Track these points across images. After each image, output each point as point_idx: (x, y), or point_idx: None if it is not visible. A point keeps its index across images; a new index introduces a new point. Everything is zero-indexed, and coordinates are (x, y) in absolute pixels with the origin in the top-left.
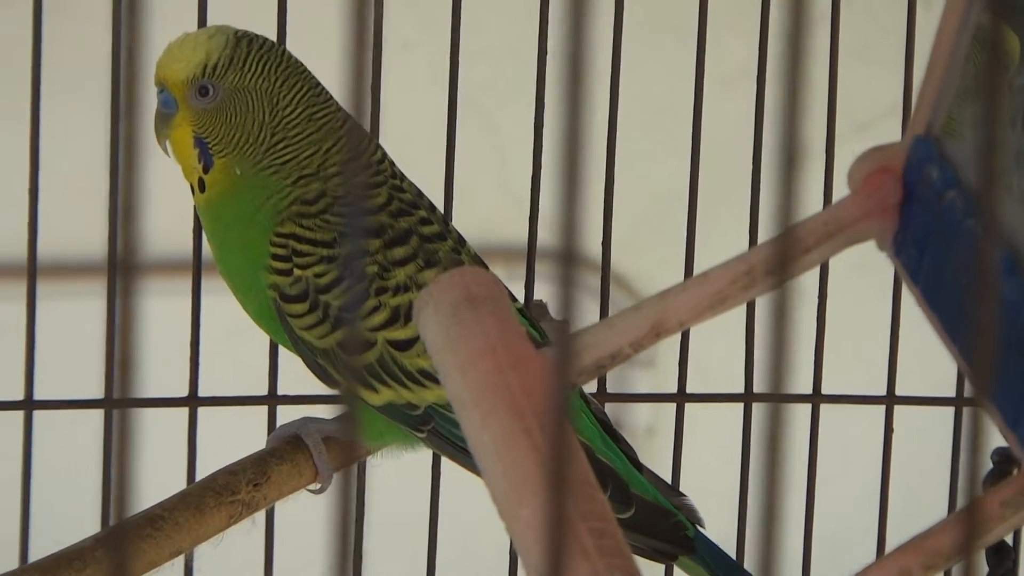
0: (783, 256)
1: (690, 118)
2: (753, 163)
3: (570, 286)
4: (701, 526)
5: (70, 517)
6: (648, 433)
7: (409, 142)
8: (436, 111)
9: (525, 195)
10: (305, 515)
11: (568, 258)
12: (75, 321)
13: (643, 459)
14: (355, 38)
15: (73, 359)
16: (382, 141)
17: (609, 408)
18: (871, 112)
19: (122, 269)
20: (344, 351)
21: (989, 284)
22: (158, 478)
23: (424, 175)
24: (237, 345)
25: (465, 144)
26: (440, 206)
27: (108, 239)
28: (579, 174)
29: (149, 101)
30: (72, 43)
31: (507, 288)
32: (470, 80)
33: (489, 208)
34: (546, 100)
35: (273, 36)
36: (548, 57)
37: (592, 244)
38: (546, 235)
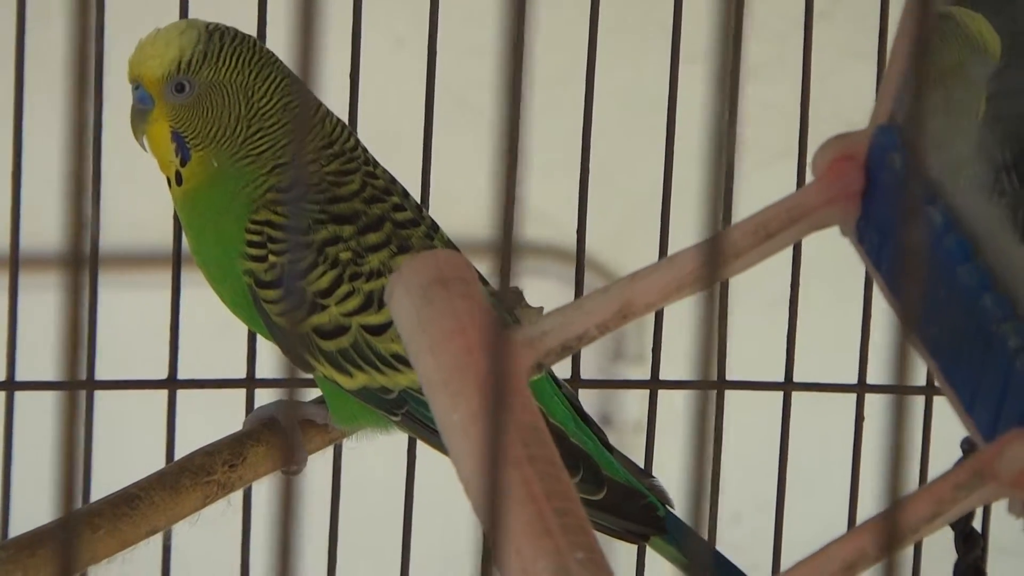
0: (713, 253)
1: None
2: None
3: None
4: (671, 506)
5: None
6: (637, 428)
7: (401, 138)
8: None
9: (524, 193)
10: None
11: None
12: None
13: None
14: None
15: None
16: (376, 135)
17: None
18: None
19: (72, 256)
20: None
21: (916, 212)
22: (138, 458)
23: (416, 170)
24: (217, 330)
25: (456, 140)
26: (425, 201)
27: (72, 227)
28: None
29: (116, 92)
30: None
31: (480, 274)
32: (462, 77)
33: (481, 204)
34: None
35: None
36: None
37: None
38: (537, 231)
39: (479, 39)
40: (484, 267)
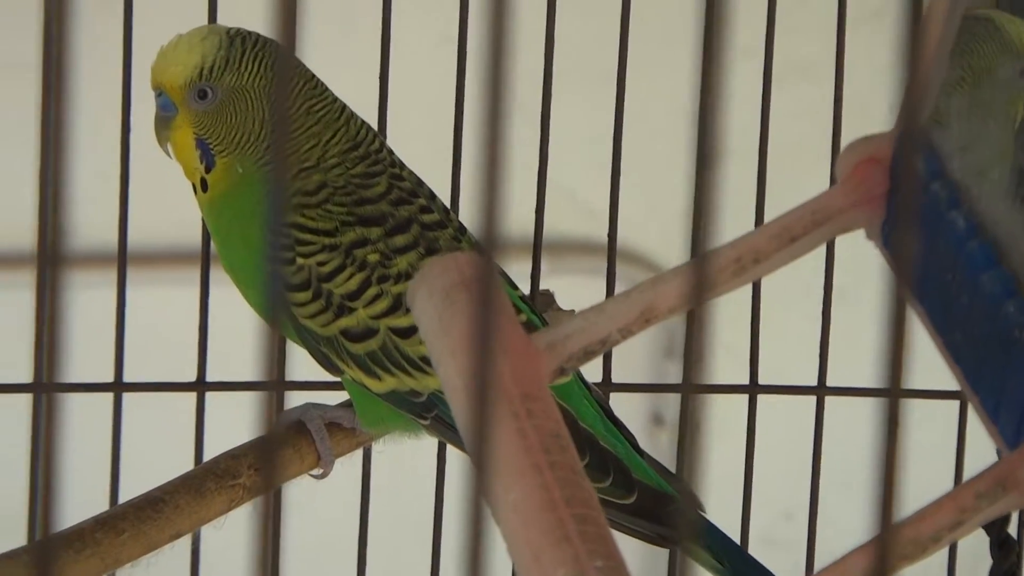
0: (700, 275)
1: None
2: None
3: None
4: (703, 511)
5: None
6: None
7: (447, 136)
8: (475, 102)
9: (569, 188)
10: (310, 501)
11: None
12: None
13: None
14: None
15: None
16: (414, 137)
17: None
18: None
19: (51, 257)
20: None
21: (912, 172)
22: (166, 461)
23: (467, 165)
24: (245, 332)
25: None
26: (455, 202)
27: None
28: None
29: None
30: None
31: (508, 276)
32: (512, 74)
33: (531, 200)
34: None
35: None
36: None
37: (639, 237)
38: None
39: (525, 36)
40: (523, 267)
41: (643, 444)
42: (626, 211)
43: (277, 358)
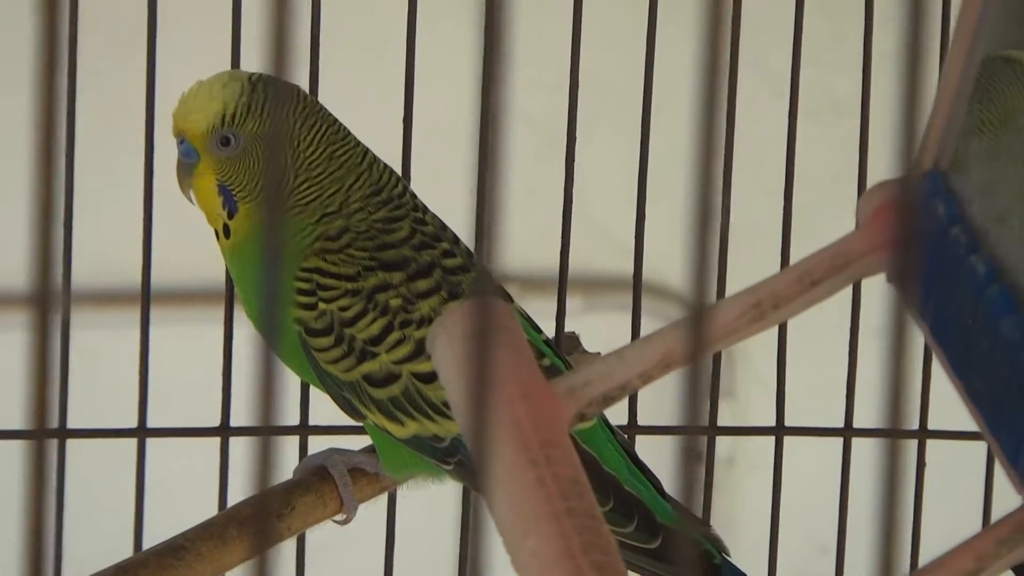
0: (698, 332)
1: (769, 151)
2: (785, 189)
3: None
4: (727, 555)
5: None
6: (728, 464)
7: (471, 179)
8: (513, 139)
9: (604, 224)
10: (335, 546)
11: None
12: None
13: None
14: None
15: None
16: (437, 180)
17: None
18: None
19: (39, 298)
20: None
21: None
22: (189, 507)
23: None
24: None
25: (537, 173)
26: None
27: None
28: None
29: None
30: None
31: (531, 319)
32: (542, 108)
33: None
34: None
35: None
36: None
37: (671, 272)
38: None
39: (548, 71)
40: (575, 303)
41: (680, 480)
42: (657, 246)
43: (300, 403)
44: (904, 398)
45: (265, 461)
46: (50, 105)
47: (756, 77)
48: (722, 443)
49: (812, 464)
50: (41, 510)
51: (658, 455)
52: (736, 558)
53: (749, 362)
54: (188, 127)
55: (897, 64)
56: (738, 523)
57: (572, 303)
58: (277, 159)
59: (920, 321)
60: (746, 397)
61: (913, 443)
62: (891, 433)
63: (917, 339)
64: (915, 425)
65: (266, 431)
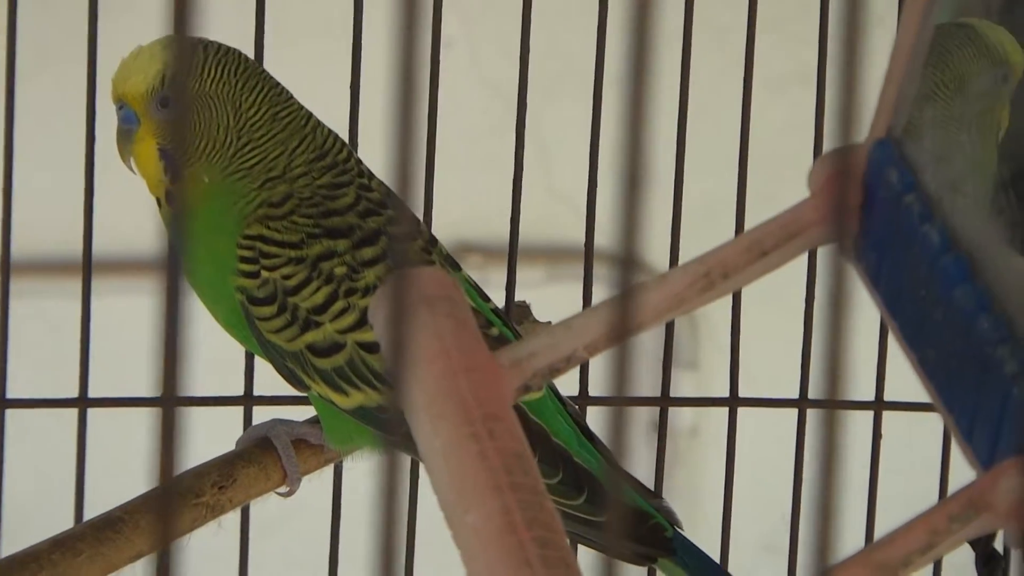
0: (625, 311)
1: (733, 122)
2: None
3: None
4: (680, 527)
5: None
6: (691, 435)
7: (449, 140)
8: (478, 109)
9: (568, 195)
10: (281, 516)
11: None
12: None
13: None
14: (405, 36)
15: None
16: (385, 146)
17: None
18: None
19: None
20: None
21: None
22: (129, 479)
23: (465, 171)
24: (212, 346)
25: (502, 143)
26: (428, 211)
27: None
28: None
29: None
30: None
31: (479, 288)
32: (512, 79)
33: (528, 207)
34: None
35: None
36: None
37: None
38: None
39: (512, 44)
40: (536, 271)
41: (642, 452)
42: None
43: (244, 373)
44: (843, 368)
45: (168, 434)
46: None
47: (721, 49)
48: (685, 414)
49: (770, 435)
50: None
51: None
52: (700, 528)
53: (713, 332)
54: (128, 90)
55: (838, 34)
56: (701, 494)
57: (535, 273)
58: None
59: (873, 290)
60: (709, 368)
61: (867, 414)
62: (843, 405)
63: (869, 309)
64: (871, 396)
65: (210, 401)
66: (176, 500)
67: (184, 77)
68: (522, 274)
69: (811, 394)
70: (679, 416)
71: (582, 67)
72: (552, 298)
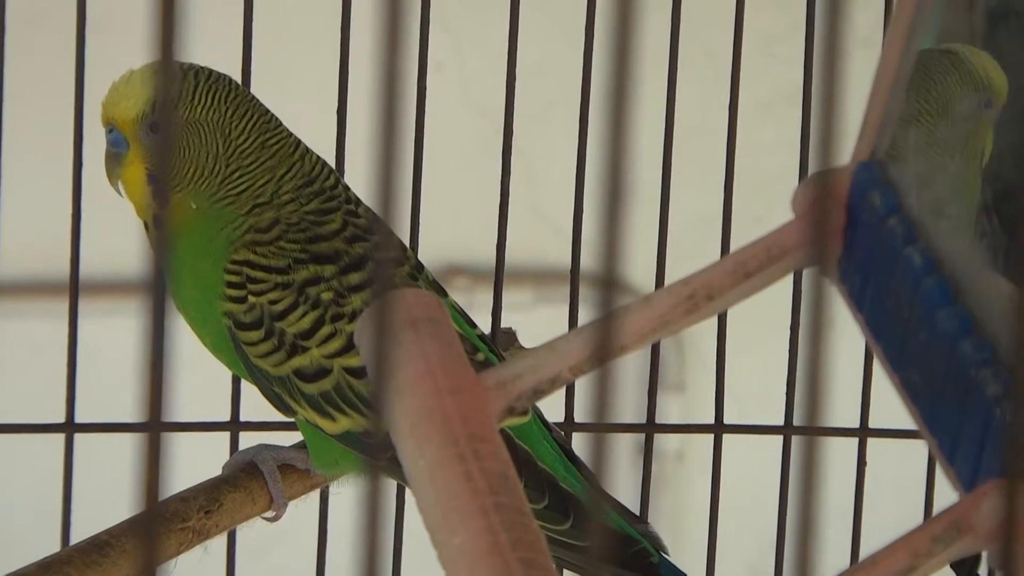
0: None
1: (722, 142)
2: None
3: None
4: (665, 553)
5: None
6: (677, 459)
7: (438, 163)
8: (466, 132)
9: (554, 218)
10: (268, 540)
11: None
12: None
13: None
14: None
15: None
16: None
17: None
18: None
19: None
20: None
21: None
22: (114, 503)
23: (454, 194)
24: (201, 371)
25: (491, 166)
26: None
27: None
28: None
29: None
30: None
31: (465, 314)
32: (494, 101)
33: (516, 230)
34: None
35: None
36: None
37: (631, 269)
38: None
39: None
40: (524, 293)
41: (628, 475)
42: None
43: (232, 398)
44: (823, 395)
45: (154, 460)
46: None
47: (708, 69)
48: (671, 438)
49: (755, 460)
50: None
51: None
52: (686, 554)
53: (699, 353)
54: (118, 114)
55: (819, 56)
56: (686, 518)
57: (523, 295)
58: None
59: (856, 313)
60: (696, 389)
61: (851, 441)
62: (828, 432)
63: (854, 336)
64: (856, 423)
65: (196, 427)
66: (161, 525)
67: (170, 104)
68: (509, 296)
69: (796, 420)
70: (665, 440)
71: (568, 90)
72: (539, 320)
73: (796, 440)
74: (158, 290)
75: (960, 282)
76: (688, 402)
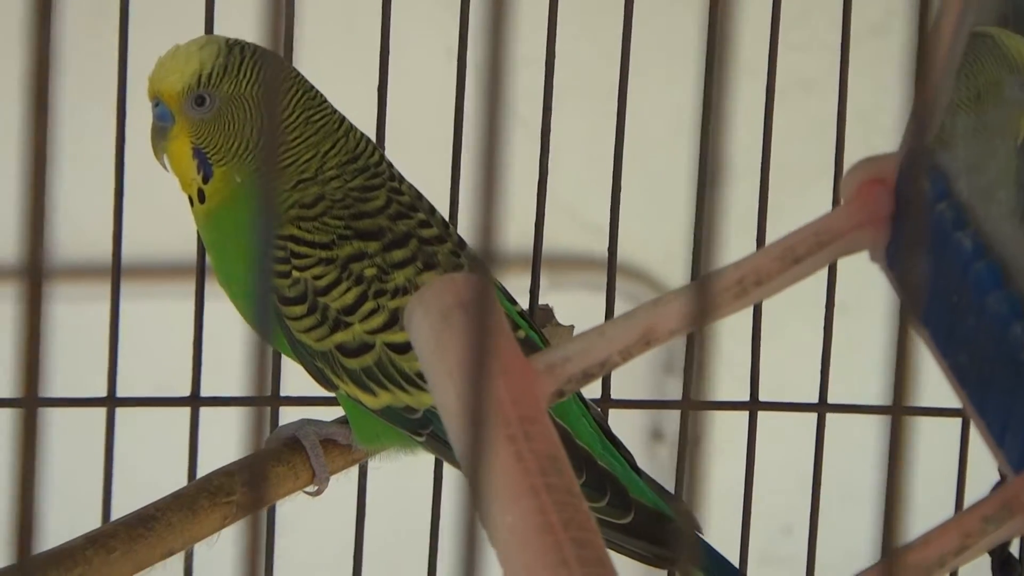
0: (703, 298)
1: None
2: (762, 172)
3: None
4: (700, 531)
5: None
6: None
7: (446, 149)
8: (476, 116)
9: (570, 203)
10: (305, 518)
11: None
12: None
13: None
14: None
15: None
16: (413, 150)
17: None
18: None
19: (30, 273)
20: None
21: (919, 194)
22: (159, 478)
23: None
24: (241, 346)
25: (514, 151)
26: (454, 216)
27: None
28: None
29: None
30: None
31: (506, 291)
32: (513, 87)
33: (530, 215)
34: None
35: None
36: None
37: (640, 253)
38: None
39: (525, 50)
40: (523, 282)
41: (642, 460)
42: (627, 227)
43: (271, 373)
44: (910, 375)
45: (256, 428)
46: (40, 73)
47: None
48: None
49: (778, 441)
50: (31, 480)
51: (631, 436)
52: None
53: (714, 338)
54: (164, 88)
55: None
56: (701, 503)
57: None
58: (274, 115)
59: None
60: (712, 374)
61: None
62: (862, 409)
63: (876, 316)
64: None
65: (236, 401)
66: (205, 498)
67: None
68: (520, 282)
69: (830, 399)
70: (673, 425)
71: (583, 75)
72: (556, 306)
73: (833, 418)
74: (202, 264)
75: (1010, 266)
76: (704, 384)
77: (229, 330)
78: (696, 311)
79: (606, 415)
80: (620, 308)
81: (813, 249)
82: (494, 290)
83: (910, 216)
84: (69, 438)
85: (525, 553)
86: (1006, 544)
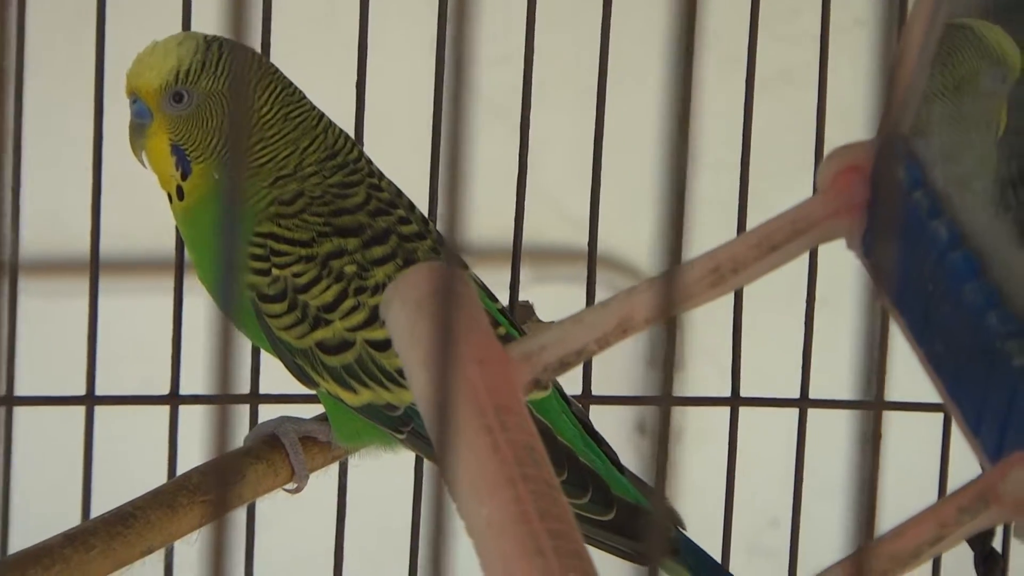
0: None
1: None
2: (742, 159)
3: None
4: (683, 528)
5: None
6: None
7: (425, 146)
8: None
9: (553, 196)
10: (285, 516)
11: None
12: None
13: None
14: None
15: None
16: (391, 146)
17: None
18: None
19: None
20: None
21: (892, 182)
22: (137, 476)
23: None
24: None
25: (487, 146)
26: (432, 213)
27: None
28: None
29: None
30: None
31: (486, 287)
32: (493, 84)
33: (511, 209)
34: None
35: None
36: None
37: (622, 244)
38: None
39: (506, 47)
40: (504, 277)
41: (627, 453)
42: (610, 219)
43: (251, 370)
44: (877, 369)
45: (222, 427)
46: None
47: (710, 48)
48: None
49: (760, 436)
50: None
51: (615, 429)
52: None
53: (695, 333)
54: (142, 84)
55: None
56: (683, 497)
57: (521, 274)
58: (241, 112)
59: (880, 286)
60: (693, 368)
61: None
62: (844, 404)
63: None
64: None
65: (216, 399)
66: (183, 496)
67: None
68: (502, 276)
69: (812, 394)
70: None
71: (562, 70)
72: (539, 300)
73: (815, 413)
74: (181, 260)
75: (985, 256)
76: (686, 380)
77: (209, 326)
78: (665, 302)
79: (587, 411)
80: (600, 299)
81: (790, 237)
82: (466, 277)
83: (881, 202)
84: (48, 436)
85: (501, 543)
86: (988, 538)
